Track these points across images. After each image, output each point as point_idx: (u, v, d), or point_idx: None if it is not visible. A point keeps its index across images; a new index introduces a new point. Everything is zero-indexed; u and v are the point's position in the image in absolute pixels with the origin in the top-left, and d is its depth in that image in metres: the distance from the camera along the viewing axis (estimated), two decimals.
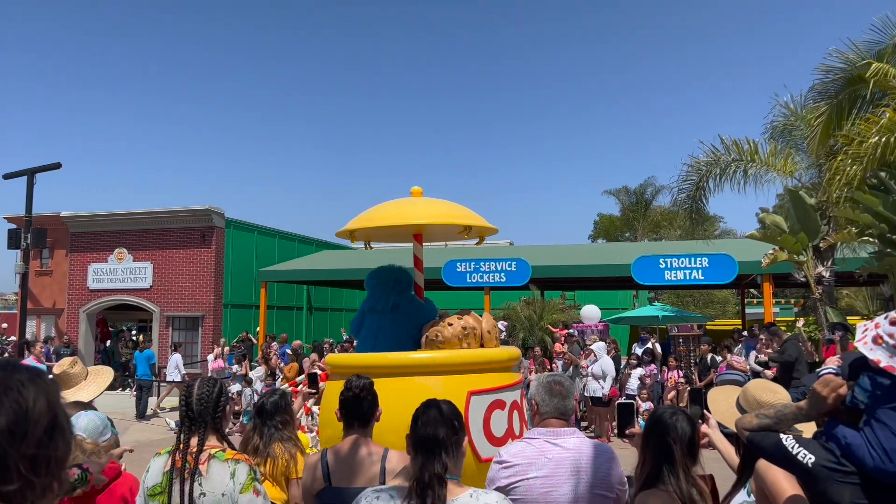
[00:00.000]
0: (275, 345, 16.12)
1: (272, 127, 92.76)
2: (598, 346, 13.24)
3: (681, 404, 13.05)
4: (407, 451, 2.36)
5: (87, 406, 3.55)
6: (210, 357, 17.10)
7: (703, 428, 3.05)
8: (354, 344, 16.32)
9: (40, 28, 73.65)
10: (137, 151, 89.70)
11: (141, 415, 15.87)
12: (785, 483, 2.44)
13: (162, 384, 17.84)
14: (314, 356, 15.78)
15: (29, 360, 11.89)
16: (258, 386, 14.57)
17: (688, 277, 15.01)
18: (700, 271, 14.89)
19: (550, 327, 17.19)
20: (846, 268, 12.22)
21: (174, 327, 21.80)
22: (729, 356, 11.66)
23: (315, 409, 9.99)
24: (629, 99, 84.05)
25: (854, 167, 8.55)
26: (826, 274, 11.55)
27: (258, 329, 19.83)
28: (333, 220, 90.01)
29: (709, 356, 13.25)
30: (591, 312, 18.57)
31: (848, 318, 12.30)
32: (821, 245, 11.25)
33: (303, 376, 11.98)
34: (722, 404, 2.97)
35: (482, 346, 4.84)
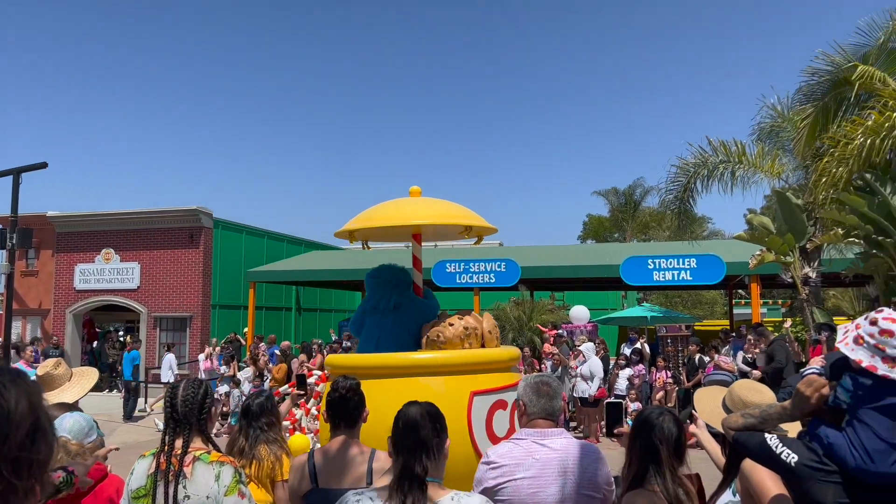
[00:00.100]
0: (262, 345, 16.05)
1: (264, 127, 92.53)
2: (587, 347, 13.29)
3: (669, 404, 13.11)
4: (389, 453, 2.35)
5: (73, 407, 3.52)
6: (201, 357, 17.02)
7: (692, 428, 3.07)
8: (343, 345, 16.40)
9: (24, 26, 73.13)
10: (125, 151, 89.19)
11: (128, 416, 15.77)
12: (769, 483, 2.46)
13: (150, 385, 17.73)
14: (303, 357, 15.74)
15: (19, 365, 11.78)
16: (246, 387, 14.52)
17: (676, 278, 15.08)
18: (688, 272, 14.97)
19: (540, 327, 17.22)
20: (833, 269, 12.31)
21: (162, 328, 21.68)
22: (717, 356, 11.72)
23: (315, 410, 9.94)
24: (620, 100, 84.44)
25: (840, 169, 8.62)
26: (813, 275, 11.63)
27: (246, 330, 19.75)
28: (324, 221, 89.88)
29: (697, 356, 13.32)
30: (580, 313, 18.62)
31: (834, 318, 12.38)
32: (807, 246, 11.33)
33: (286, 387, 11.94)
34: (708, 404, 2.99)
35: (483, 346, 4.84)
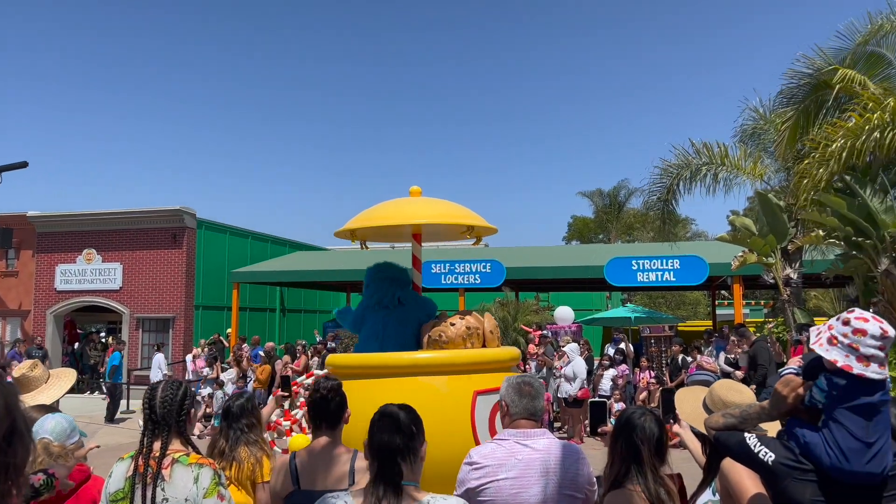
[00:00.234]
0: (245, 346, 15.98)
1: (249, 126, 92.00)
2: (571, 348, 13.33)
3: (652, 405, 13.19)
4: (365, 456, 2.35)
5: (51, 409, 3.49)
6: (189, 357, 16.90)
7: (675, 428, 3.09)
8: (328, 346, 16.33)
9: (2, 23, 72.24)
10: (107, 150, 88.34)
11: (109, 418, 15.63)
12: (748, 482, 2.49)
13: (133, 387, 17.55)
14: (286, 358, 15.69)
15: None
16: (229, 388, 14.44)
17: (660, 279, 15.17)
18: (672, 273, 15.07)
19: (525, 328, 17.27)
20: (814, 270, 12.44)
21: (144, 329, 21.51)
22: (699, 357, 11.81)
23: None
24: (605, 101, 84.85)
25: (821, 170, 8.71)
26: (794, 276, 11.74)
27: (229, 331, 19.64)
28: (310, 221, 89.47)
29: (680, 357, 13.41)
30: (564, 314, 18.70)
31: (816, 319, 12.50)
32: (789, 247, 11.44)
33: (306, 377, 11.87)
34: (689, 405, 3.02)
35: (484, 345, 4.84)
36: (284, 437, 10.01)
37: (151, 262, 21.36)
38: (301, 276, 20.97)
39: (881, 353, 2.19)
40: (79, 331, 23.96)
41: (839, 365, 2.19)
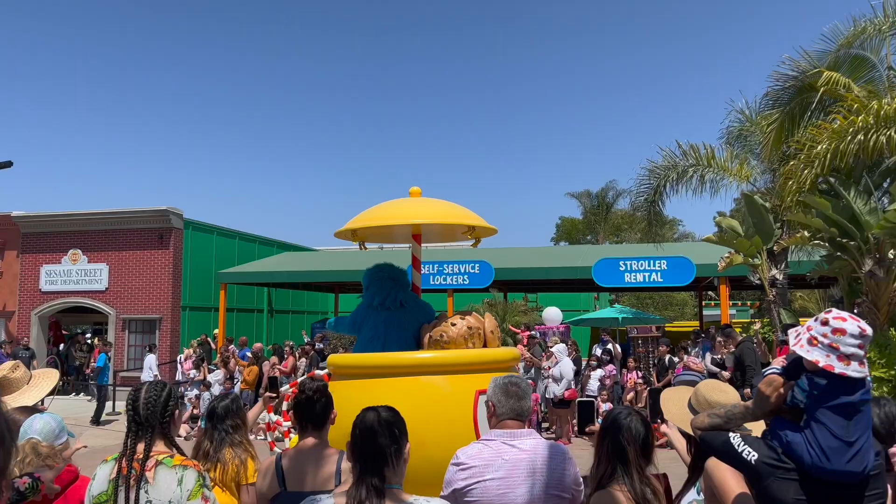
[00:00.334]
0: (232, 347, 15.90)
1: (236, 126, 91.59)
2: (559, 349, 13.37)
3: (639, 405, 13.24)
4: (348, 458, 2.34)
5: (35, 410, 3.46)
6: (180, 357, 16.78)
7: (663, 428, 3.11)
8: (316, 346, 16.28)
9: None
10: (93, 150, 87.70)
11: (95, 420, 15.51)
12: (732, 481, 2.51)
13: (119, 388, 17.42)
14: (274, 359, 15.62)
15: None
16: (216, 390, 14.36)
17: (647, 280, 15.25)
18: (659, 274, 15.15)
19: (513, 329, 17.29)
20: (799, 270, 12.53)
21: (131, 330, 21.35)
22: (686, 357, 11.86)
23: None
24: (593, 102, 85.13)
25: (806, 172, 8.77)
26: (780, 276, 11.82)
27: (216, 332, 19.53)
28: (299, 222, 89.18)
29: (667, 357, 13.47)
30: (552, 314, 18.75)
31: (801, 319, 12.58)
32: (775, 248, 11.51)
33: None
34: (674, 405, 3.04)
35: (485, 345, 4.84)
36: (284, 440, 9.97)
37: (138, 263, 21.21)
38: (289, 276, 20.90)
39: (860, 352, 2.22)
40: (64, 332, 23.75)
41: (821, 365, 2.22)
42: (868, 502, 2.20)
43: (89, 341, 22.67)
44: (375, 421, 2.32)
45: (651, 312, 31.20)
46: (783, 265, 12.03)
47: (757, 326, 11.99)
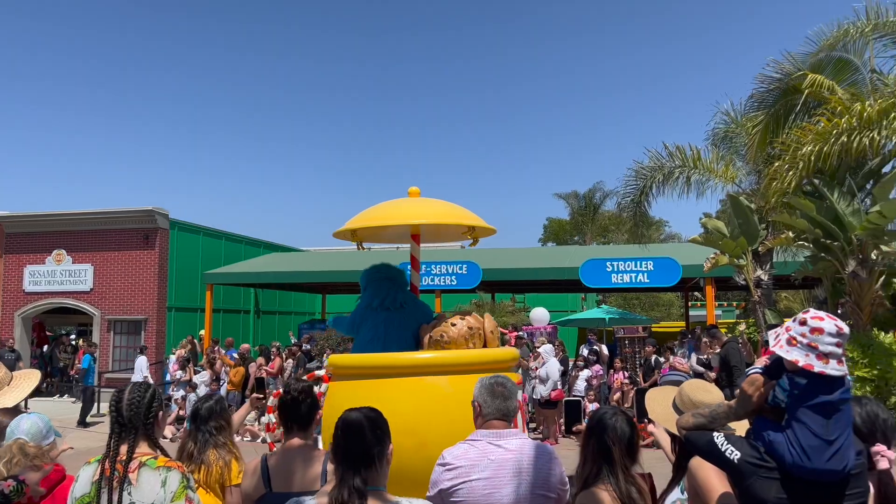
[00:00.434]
0: (219, 348, 15.81)
1: (225, 125, 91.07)
2: (546, 349, 13.39)
3: (625, 405, 13.30)
4: (330, 459, 2.33)
5: (17, 411, 3.43)
6: (171, 357, 16.65)
7: (650, 428, 3.12)
8: (303, 347, 16.21)
9: None
10: (78, 149, 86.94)
11: (81, 421, 15.37)
12: (715, 481, 2.52)
13: (104, 389, 17.27)
14: (261, 360, 15.55)
15: None
16: (203, 391, 14.27)
17: (634, 280, 15.32)
18: (645, 274, 15.22)
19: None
20: (785, 271, 12.64)
21: (116, 331, 21.18)
22: (672, 358, 11.92)
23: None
24: (581, 103, 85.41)
25: (790, 173, 8.85)
26: (765, 277, 11.92)
27: (202, 333, 19.41)
28: (287, 222, 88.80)
29: (653, 358, 13.53)
30: (540, 315, 18.79)
31: (786, 319, 12.68)
32: (760, 249, 11.60)
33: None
34: (659, 405, 3.05)
35: (485, 346, 4.84)
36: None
37: (123, 263, 21.05)
38: (275, 277, 20.82)
39: (839, 350, 2.25)
40: (48, 333, 23.52)
41: (800, 364, 2.24)
42: (849, 501, 2.23)
43: (74, 342, 22.44)
44: (358, 422, 2.31)
45: (638, 313, 31.35)
46: (768, 266, 12.13)
47: (742, 327, 12.08)
